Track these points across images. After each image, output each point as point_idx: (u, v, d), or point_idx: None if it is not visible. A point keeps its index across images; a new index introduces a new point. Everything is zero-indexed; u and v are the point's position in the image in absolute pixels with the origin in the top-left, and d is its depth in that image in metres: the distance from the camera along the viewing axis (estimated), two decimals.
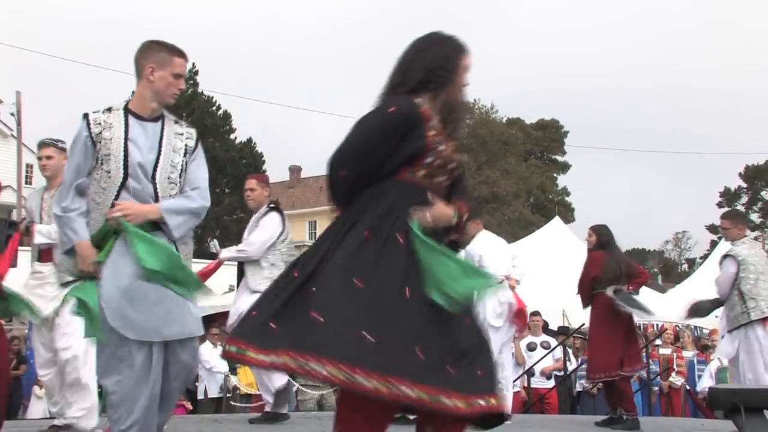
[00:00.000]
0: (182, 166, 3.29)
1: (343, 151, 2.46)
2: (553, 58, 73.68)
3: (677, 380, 9.90)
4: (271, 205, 5.75)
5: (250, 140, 31.78)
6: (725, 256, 6.27)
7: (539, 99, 77.66)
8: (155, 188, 3.21)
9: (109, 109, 3.29)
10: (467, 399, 2.25)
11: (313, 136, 74.72)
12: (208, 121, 29.44)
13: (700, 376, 8.83)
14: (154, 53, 3.26)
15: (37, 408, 8.79)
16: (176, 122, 3.37)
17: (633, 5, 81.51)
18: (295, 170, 46.03)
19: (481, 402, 2.27)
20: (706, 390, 7.47)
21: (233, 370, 9.72)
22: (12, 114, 21.83)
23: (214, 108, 31.38)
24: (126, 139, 3.20)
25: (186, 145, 3.32)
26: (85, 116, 3.23)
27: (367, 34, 79.09)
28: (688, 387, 9.49)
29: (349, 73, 77.07)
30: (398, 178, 2.46)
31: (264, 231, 5.65)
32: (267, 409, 5.85)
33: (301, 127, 76.50)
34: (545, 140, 44.18)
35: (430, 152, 2.47)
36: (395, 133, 2.43)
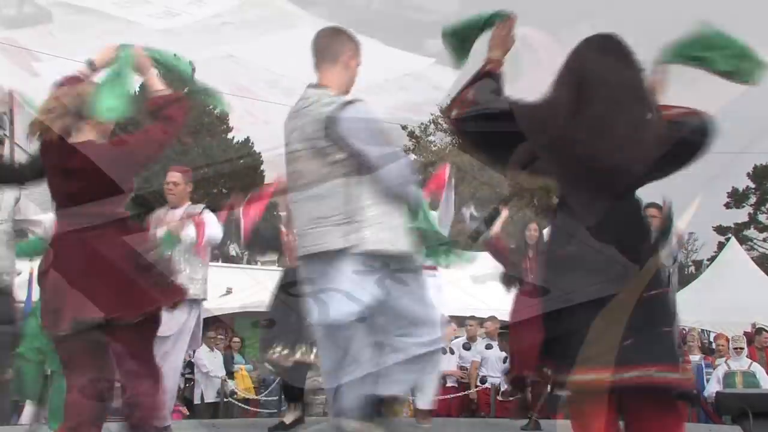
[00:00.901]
0: None
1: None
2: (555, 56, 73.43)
3: None
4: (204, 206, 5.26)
5: (247, 139, 31.70)
6: None
7: None
8: None
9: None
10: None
11: None
12: (205, 120, 29.38)
13: (708, 380, 8.65)
14: (349, 40, 3.14)
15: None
16: None
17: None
18: None
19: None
20: (714, 395, 7.35)
21: (230, 375, 9.58)
22: (4, 113, 21.78)
23: (211, 107, 31.23)
24: None
25: None
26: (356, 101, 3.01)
27: (368, 33, 79.25)
28: (695, 392, 9.32)
29: None
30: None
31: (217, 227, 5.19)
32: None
33: None
34: None
35: None
36: None
